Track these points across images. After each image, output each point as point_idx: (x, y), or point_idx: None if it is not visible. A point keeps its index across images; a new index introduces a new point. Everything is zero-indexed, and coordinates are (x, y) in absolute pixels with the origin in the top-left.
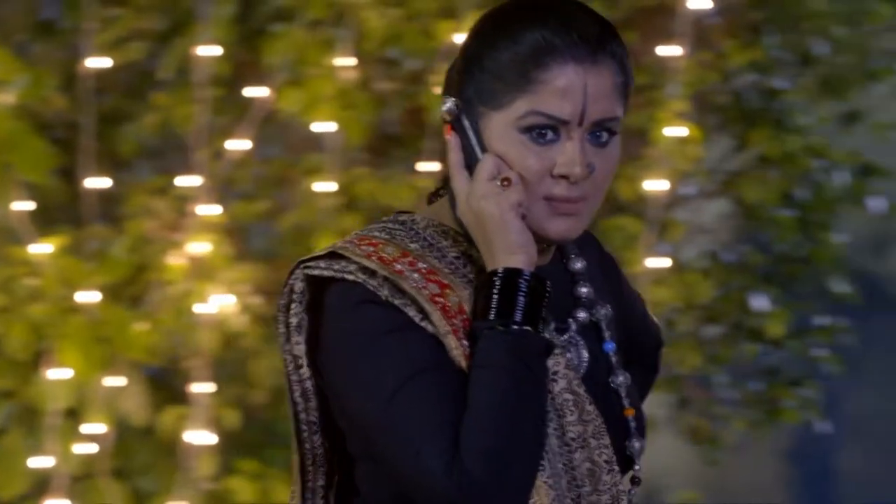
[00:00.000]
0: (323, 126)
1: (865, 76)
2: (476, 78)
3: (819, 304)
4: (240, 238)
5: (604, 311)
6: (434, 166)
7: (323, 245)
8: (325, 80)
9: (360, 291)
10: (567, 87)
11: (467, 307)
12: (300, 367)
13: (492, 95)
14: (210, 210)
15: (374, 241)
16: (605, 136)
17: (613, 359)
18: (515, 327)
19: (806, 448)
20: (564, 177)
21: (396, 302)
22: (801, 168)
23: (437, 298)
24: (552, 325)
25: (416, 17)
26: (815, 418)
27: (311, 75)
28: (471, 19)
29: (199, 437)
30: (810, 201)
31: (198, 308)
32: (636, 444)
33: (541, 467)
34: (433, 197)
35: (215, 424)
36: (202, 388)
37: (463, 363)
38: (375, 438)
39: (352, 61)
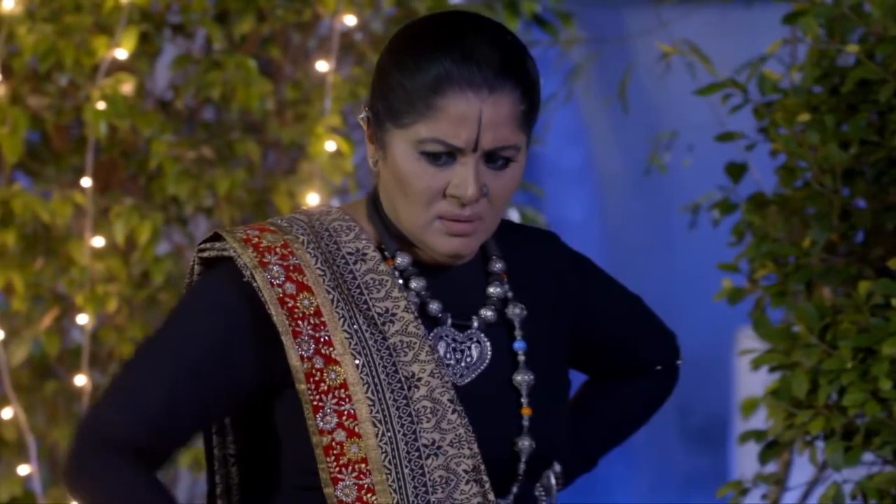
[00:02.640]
0: None
1: None
2: (384, 94)
3: None
4: None
5: (517, 311)
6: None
7: None
8: None
9: (230, 266)
10: (462, 115)
11: (326, 311)
12: None
13: (396, 114)
14: None
15: (264, 227)
16: (501, 161)
17: (521, 358)
18: None
19: None
20: (456, 197)
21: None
22: None
23: (286, 299)
24: (449, 322)
25: (69, 32)
26: None
27: None
28: (127, 35)
29: None
30: None
31: None
32: (525, 443)
33: (386, 470)
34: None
35: None
36: None
37: (297, 363)
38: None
39: None
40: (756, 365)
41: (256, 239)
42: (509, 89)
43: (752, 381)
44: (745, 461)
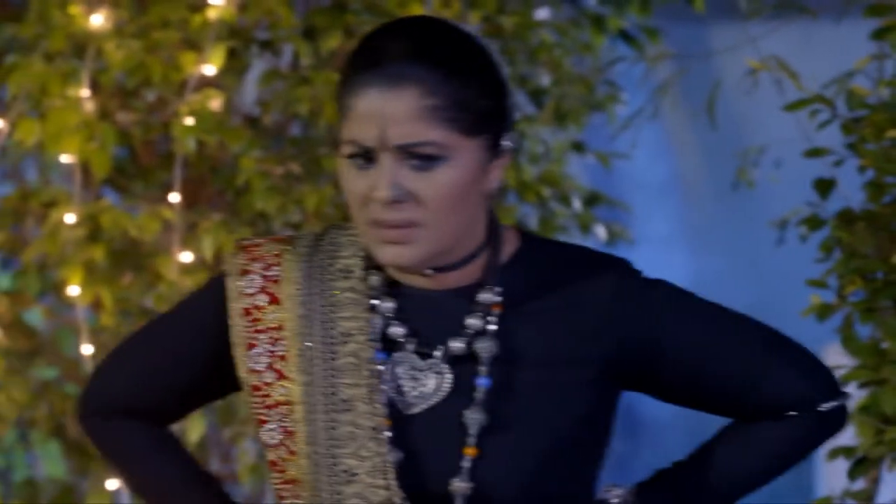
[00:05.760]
0: (65, 158)
1: (590, 107)
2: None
3: None
4: None
5: (485, 346)
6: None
7: (70, 277)
8: (69, 112)
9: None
10: (366, 112)
11: (290, 326)
12: None
13: (339, 128)
14: None
15: (277, 238)
16: (423, 160)
17: (478, 395)
18: None
19: None
20: (374, 200)
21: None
22: (535, 196)
23: (251, 310)
24: (411, 348)
25: (157, 48)
26: None
27: (53, 107)
28: (215, 51)
29: None
30: (539, 229)
31: None
32: (460, 485)
33: (312, 493)
34: None
35: None
36: None
37: (244, 375)
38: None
39: (87, 93)
40: (845, 381)
41: (256, 249)
42: (413, 83)
43: None
44: (833, 477)
